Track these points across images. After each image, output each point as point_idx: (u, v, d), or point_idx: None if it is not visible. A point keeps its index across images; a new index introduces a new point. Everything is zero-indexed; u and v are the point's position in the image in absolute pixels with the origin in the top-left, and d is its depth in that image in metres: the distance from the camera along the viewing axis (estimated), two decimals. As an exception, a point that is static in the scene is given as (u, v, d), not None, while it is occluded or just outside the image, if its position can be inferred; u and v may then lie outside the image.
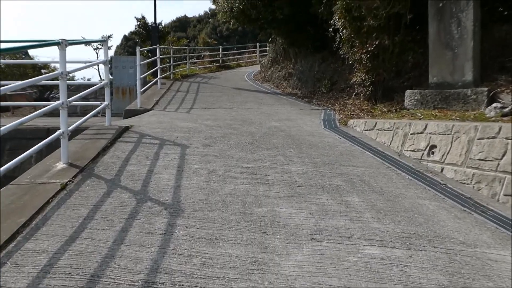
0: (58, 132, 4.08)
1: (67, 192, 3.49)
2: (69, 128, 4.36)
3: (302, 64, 13.29)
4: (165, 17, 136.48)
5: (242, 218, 3.17)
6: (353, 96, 9.54)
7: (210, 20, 64.40)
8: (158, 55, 12.21)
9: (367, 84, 8.66)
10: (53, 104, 4.18)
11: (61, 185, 3.56)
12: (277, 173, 4.25)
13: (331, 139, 6.03)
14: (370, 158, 5.12)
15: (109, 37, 20.06)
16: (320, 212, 3.35)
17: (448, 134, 4.89)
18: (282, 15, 11.15)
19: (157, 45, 12.41)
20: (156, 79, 12.32)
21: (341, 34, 9.06)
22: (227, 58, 23.11)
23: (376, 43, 8.16)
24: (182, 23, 70.52)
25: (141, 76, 9.99)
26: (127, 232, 2.86)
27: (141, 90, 9.43)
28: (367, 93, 8.78)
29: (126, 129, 5.87)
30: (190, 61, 21.13)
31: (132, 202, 3.36)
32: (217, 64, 21.48)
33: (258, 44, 25.06)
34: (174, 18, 72.26)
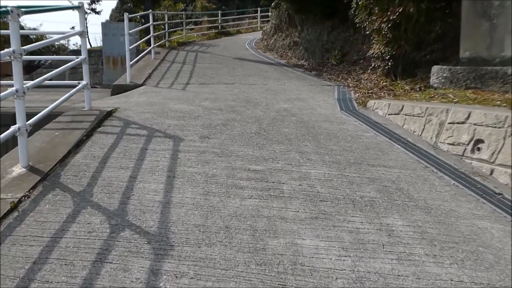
0: (12, 128, 3.16)
1: (19, 215, 2.63)
2: (31, 121, 3.45)
3: (309, 32, 12.16)
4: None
5: (253, 259, 2.32)
6: (369, 70, 8.55)
7: (209, -18, 61.85)
8: (151, 22, 11.07)
9: (387, 57, 7.66)
10: (6, 92, 3.22)
11: (11, 204, 2.69)
12: (294, 180, 3.38)
13: (351, 126, 5.12)
14: (402, 154, 4.24)
15: (97, 0, 18.65)
16: (356, 245, 2.50)
17: (499, 128, 3.98)
18: (289, -23, 9.96)
19: (150, 10, 11.23)
20: (149, 48, 11.24)
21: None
22: (226, 24, 21.77)
23: (399, 10, 7.10)
24: (179, -14, 67.94)
25: (131, 46, 8.94)
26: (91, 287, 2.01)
27: (131, 62, 8.42)
28: (386, 67, 7.80)
29: (109, 114, 4.94)
30: (187, 27, 19.84)
31: (104, 231, 2.50)
32: (216, 31, 20.20)
33: (259, 9, 23.62)
34: (171, -20, 69.71)
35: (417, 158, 4.14)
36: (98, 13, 18.43)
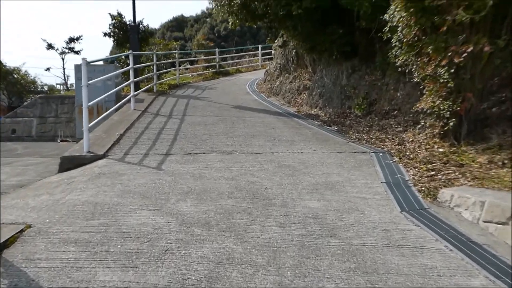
0: None
1: None
2: None
3: (323, 74, 10.06)
4: (162, 16, 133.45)
5: None
6: (416, 129, 6.33)
7: (208, 19, 61.36)
8: (131, 65, 8.98)
9: (446, 114, 5.47)
10: None
11: None
12: None
13: (439, 261, 2.81)
14: None
15: (77, 39, 16.72)
16: None
17: None
18: (301, 9, 7.92)
19: (130, 51, 9.17)
20: (128, 96, 9.10)
21: (400, 35, 5.84)
22: (225, 62, 19.86)
23: (468, 50, 4.94)
24: (179, 23, 67.53)
25: (108, 92, 6.82)
26: None
27: (104, 114, 6.29)
28: (445, 128, 5.58)
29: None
30: (182, 67, 17.91)
31: None
32: (214, 70, 18.23)
33: (260, 46, 21.82)
34: (171, 18, 69.30)
35: None
36: (77, 52, 16.56)
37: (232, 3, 9.07)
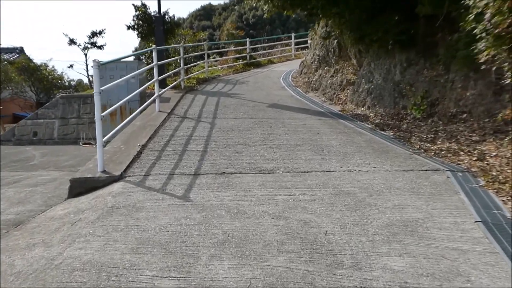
0: None
1: None
2: None
3: (371, 68, 8.83)
4: (190, 6, 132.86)
5: None
6: (504, 141, 5.10)
7: (236, 7, 60.12)
8: (155, 61, 8.03)
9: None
10: None
11: None
12: None
13: None
14: None
15: (99, 33, 15.93)
16: None
17: None
18: (350, -7, 6.72)
19: (153, 47, 8.23)
20: (154, 96, 8.19)
21: (488, 25, 4.60)
22: (256, 53, 18.74)
23: None
24: (207, 11, 66.62)
25: (133, 93, 5.91)
26: None
27: (127, 119, 5.35)
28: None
29: None
30: (211, 59, 16.94)
31: None
32: (244, 62, 17.16)
33: (293, 35, 20.55)
34: (199, 7, 68.45)
35: None
36: (100, 47, 15.78)
37: (267, -12, 7.97)
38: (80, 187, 4.53)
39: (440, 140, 5.95)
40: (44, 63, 19.99)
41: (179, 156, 5.27)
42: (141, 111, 7.64)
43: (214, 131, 6.56)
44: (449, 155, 5.33)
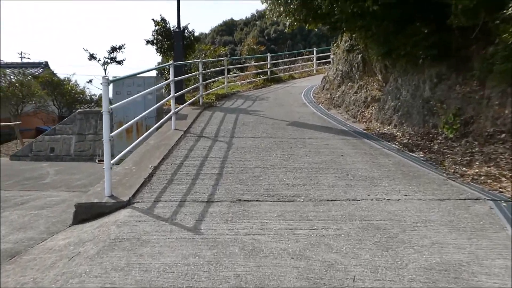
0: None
1: None
2: None
3: (398, 84, 8.35)
4: (212, 21, 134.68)
5: None
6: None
7: (257, 22, 60.53)
8: (171, 77, 7.78)
9: None
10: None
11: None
12: None
13: None
14: None
15: (119, 48, 15.92)
16: None
17: None
18: (377, 5, 6.32)
19: (171, 62, 7.98)
20: (170, 113, 7.92)
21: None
22: (276, 68, 18.44)
23: None
24: (228, 26, 67.34)
25: (148, 110, 5.61)
26: None
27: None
28: None
29: None
30: (231, 74, 16.73)
31: None
32: (265, 77, 16.87)
33: (315, 50, 20.20)
34: (221, 22, 69.20)
35: None
36: (120, 62, 15.75)
37: (289, 1, 7.64)
38: (86, 213, 4.22)
39: (477, 163, 5.42)
40: (67, 78, 20.18)
41: (192, 180, 4.91)
42: (157, 128, 7.38)
43: (231, 152, 6.20)
44: (489, 181, 4.81)
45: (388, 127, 8.15)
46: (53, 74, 21.85)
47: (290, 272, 2.84)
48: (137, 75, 8.35)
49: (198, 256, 3.08)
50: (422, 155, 6.21)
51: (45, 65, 22.97)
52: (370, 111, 9.12)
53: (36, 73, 21.17)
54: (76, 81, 21.72)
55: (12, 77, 17.14)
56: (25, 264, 3.22)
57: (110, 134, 4.56)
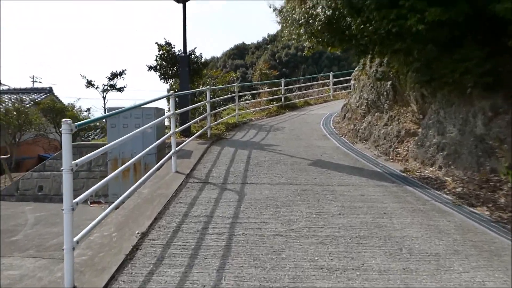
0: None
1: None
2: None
3: (441, 116, 7.02)
4: (224, 45, 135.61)
5: None
6: None
7: (269, 46, 60.05)
8: (172, 111, 6.56)
9: None
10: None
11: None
12: None
13: None
14: None
15: (120, 74, 14.91)
16: None
17: None
18: (422, 24, 5.07)
19: (171, 92, 6.78)
20: (170, 153, 6.67)
21: None
22: (290, 94, 17.25)
23: None
24: (240, 50, 67.00)
25: (145, 150, 4.35)
26: None
27: (133, 185, 3.76)
28: None
29: None
30: (242, 101, 15.60)
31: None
32: (278, 104, 15.68)
33: (331, 74, 19.03)
34: (232, 46, 68.99)
35: None
36: (120, 90, 14.70)
37: (310, 21, 6.46)
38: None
39: None
40: (71, 104, 19.25)
41: (189, 259, 3.59)
42: (157, 169, 6.15)
43: (242, 208, 4.88)
44: None
45: (431, 169, 6.78)
46: (56, 100, 21.01)
47: None
48: (134, 107, 7.17)
49: None
50: (487, 213, 4.82)
51: (49, 91, 22.15)
52: (406, 148, 7.77)
53: (38, 99, 20.30)
54: (80, 107, 20.82)
55: (9, 104, 16.20)
56: None
57: (75, 200, 3.29)
